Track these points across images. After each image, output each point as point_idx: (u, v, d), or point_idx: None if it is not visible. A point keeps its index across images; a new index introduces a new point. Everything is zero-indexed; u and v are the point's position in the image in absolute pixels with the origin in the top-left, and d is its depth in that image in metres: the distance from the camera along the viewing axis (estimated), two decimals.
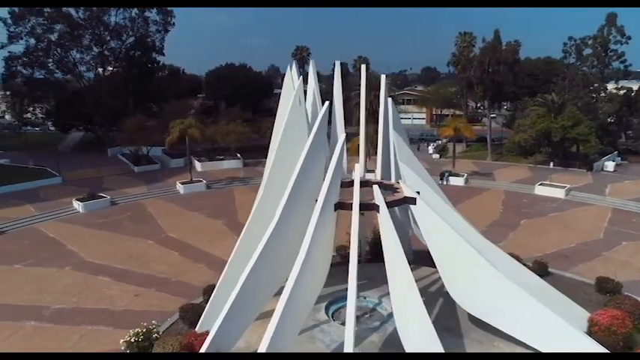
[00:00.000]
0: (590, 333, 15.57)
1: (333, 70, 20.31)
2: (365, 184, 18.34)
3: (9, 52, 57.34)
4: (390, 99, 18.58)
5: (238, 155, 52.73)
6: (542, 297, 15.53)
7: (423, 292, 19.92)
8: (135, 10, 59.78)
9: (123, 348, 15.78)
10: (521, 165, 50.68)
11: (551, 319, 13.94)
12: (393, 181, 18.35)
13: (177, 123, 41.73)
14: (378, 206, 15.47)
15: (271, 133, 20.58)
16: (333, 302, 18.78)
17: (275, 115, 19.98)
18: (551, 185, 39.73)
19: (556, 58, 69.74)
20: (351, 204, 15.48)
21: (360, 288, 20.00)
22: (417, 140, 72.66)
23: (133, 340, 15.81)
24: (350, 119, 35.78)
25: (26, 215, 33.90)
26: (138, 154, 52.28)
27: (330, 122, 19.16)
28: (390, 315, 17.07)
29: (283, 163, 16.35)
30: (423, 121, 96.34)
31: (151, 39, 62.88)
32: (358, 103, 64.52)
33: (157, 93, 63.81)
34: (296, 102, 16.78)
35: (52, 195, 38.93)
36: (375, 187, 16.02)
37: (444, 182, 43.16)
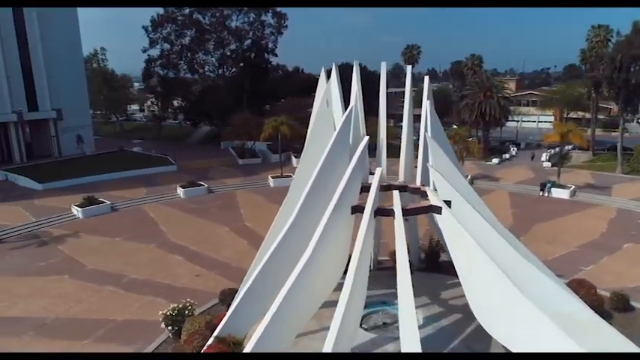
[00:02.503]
0: None
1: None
2: (402, 188, 17.87)
3: (148, 55, 66.96)
4: (428, 101, 17.62)
5: None
6: (583, 331, 13.52)
7: (459, 308, 18.73)
8: (252, 14, 64.83)
9: (160, 319, 17.77)
10: None
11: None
12: (431, 187, 17.47)
13: (271, 121, 44.41)
14: (394, 212, 14.94)
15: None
16: (366, 306, 18.57)
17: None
18: None
19: None
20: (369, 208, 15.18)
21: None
22: (534, 146, 66.27)
23: (169, 313, 17.75)
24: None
25: (139, 196, 39.39)
26: (243, 148, 56.75)
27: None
28: (421, 327, 16.36)
29: (309, 164, 16.69)
30: (550, 125, 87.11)
31: (266, 41, 67.52)
32: (468, 104, 61.06)
33: (270, 92, 68.33)
34: (323, 104, 16.98)
35: (164, 181, 44.48)
36: (395, 193, 15.47)
37: (545, 194, 38.83)
